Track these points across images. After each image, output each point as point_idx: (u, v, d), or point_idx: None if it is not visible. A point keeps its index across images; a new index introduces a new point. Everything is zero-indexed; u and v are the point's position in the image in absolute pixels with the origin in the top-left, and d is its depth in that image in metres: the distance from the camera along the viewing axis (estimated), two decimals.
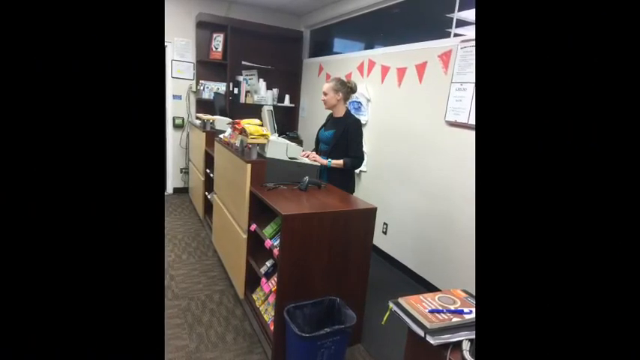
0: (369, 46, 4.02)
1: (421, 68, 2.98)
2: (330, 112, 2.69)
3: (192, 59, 4.65)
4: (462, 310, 1.09)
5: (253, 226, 2.23)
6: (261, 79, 4.92)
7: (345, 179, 2.53)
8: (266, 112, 3.25)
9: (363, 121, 3.20)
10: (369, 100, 3.61)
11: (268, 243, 2.04)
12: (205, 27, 4.58)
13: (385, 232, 3.43)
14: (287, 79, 5.09)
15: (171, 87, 4.62)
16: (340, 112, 2.58)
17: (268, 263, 2.17)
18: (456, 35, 2.78)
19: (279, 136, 2.94)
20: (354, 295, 2.06)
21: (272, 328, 1.98)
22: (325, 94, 2.54)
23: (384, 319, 1.20)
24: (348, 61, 4.00)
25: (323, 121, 2.79)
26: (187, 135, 4.79)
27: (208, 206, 3.82)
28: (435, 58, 2.83)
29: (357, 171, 2.86)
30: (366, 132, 3.39)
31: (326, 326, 1.74)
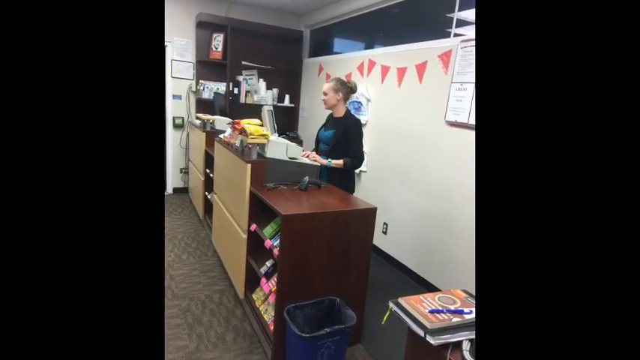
0: (369, 46, 4.01)
1: (421, 68, 2.98)
2: (330, 112, 2.69)
3: (192, 59, 4.65)
4: (462, 310, 1.09)
5: (253, 226, 2.23)
6: (261, 79, 4.92)
7: (345, 179, 2.53)
8: (266, 112, 3.25)
9: (363, 121, 3.20)
10: (369, 100, 3.61)
11: (268, 243, 2.04)
12: (205, 27, 4.58)
13: (385, 232, 3.43)
14: (287, 79, 5.09)
15: (171, 87, 4.62)
16: (340, 112, 2.58)
17: (268, 263, 2.17)
18: (456, 35, 2.78)
19: (279, 136, 2.94)
20: (354, 295, 2.06)
21: (272, 328, 1.98)
22: (325, 94, 2.54)
23: (384, 319, 1.20)
24: (348, 61, 4.00)
25: (323, 121, 2.79)
26: (187, 135, 4.79)
27: (208, 206, 3.81)
28: (435, 58, 2.83)
29: (357, 171, 2.86)
30: (366, 132, 3.39)
31: (326, 326, 1.74)
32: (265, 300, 2.26)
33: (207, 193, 3.82)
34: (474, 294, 1.11)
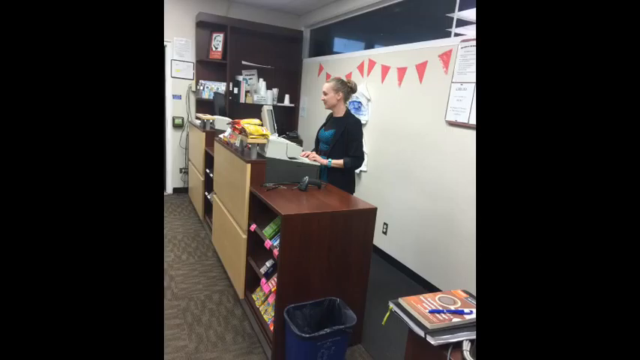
0: (369, 46, 4.01)
1: (421, 68, 2.97)
2: (330, 111, 2.69)
3: (191, 59, 4.65)
4: (463, 311, 1.08)
5: (253, 227, 2.23)
6: (260, 79, 4.92)
7: (345, 179, 2.52)
8: (266, 111, 3.26)
9: (363, 121, 3.20)
10: (369, 100, 3.61)
11: (268, 243, 2.03)
12: (205, 26, 4.57)
13: (385, 233, 3.43)
14: (287, 78, 5.09)
15: (170, 87, 4.61)
16: (340, 112, 2.58)
17: (268, 263, 2.17)
18: (456, 35, 2.77)
19: (278, 135, 2.94)
20: (354, 295, 2.05)
21: (272, 328, 1.97)
22: (325, 93, 2.54)
23: (384, 319, 1.20)
24: (348, 60, 3.99)
25: (323, 121, 2.78)
26: (187, 135, 4.79)
27: (208, 206, 3.81)
28: (435, 57, 2.83)
29: (357, 171, 2.86)
30: (366, 132, 3.39)
31: (326, 327, 1.74)
32: (265, 300, 2.25)
33: (206, 193, 3.82)
34: (475, 294, 1.11)
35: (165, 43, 4.46)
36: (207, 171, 3.74)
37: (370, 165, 3.62)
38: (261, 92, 4.86)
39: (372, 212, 2.01)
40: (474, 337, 0.99)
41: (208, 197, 3.74)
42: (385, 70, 3.38)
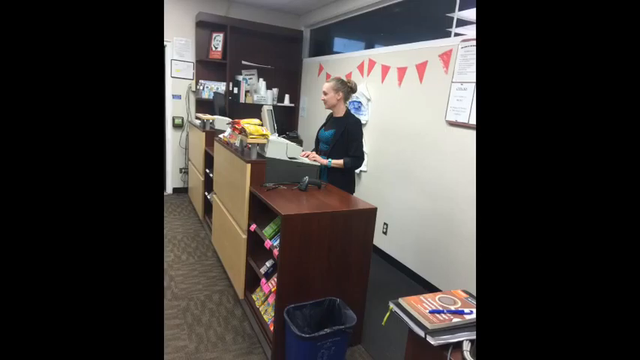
0: (369, 46, 4.01)
1: (421, 68, 2.97)
2: (330, 111, 2.68)
3: (191, 59, 4.65)
4: (463, 311, 1.08)
5: (253, 227, 2.23)
6: (260, 79, 4.92)
7: (345, 179, 2.52)
8: (266, 111, 3.25)
9: (363, 121, 3.20)
10: (369, 100, 3.60)
11: (268, 243, 2.03)
12: (205, 26, 4.57)
13: (385, 233, 3.43)
14: (287, 78, 5.09)
15: (170, 86, 4.61)
16: (340, 112, 2.57)
17: (268, 263, 2.16)
18: (456, 35, 2.77)
19: (278, 135, 2.94)
20: (354, 295, 2.05)
21: (272, 328, 1.97)
22: (325, 93, 2.54)
23: (385, 319, 1.20)
24: (348, 60, 3.99)
25: (323, 121, 2.78)
26: (187, 135, 4.79)
27: (208, 206, 3.81)
28: (435, 57, 2.83)
29: (357, 171, 2.86)
30: (366, 132, 3.39)
31: (326, 327, 1.74)
32: (265, 300, 2.25)
33: (206, 193, 3.81)
34: (475, 294, 1.11)
35: (165, 42, 4.46)
36: (207, 171, 3.74)
37: (370, 165, 3.62)
38: (261, 92, 4.86)
39: (372, 212, 2.01)
40: (474, 337, 0.98)
41: (208, 197, 3.74)
42: (385, 70, 3.38)
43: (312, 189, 2.26)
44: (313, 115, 4.77)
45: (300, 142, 4.88)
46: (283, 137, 2.86)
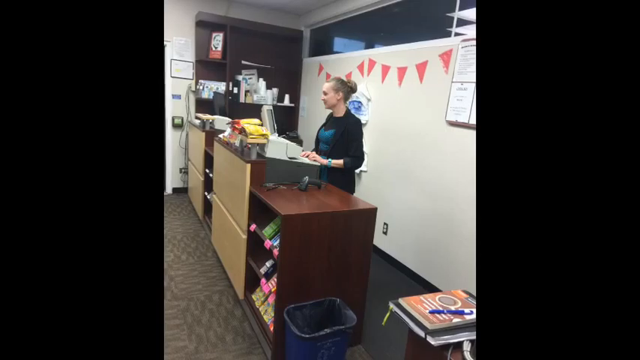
0: (369, 46, 4.01)
1: (422, 68, 2.97)
2: (330, 111, 2.68)
3: (191, 58, 4.65)
4: (463, 311, 1.08)
5: (253, 227, 2.22)
6: (260, 79, 4.92)
7: (345, 179, 2.52)
8: (266, 111, 3.25)
9: (363, 121, 3.20)
10: (369, 100, 3.60)
11: (268, 243, 2.03)
12: (205, 26, 4.57)
13: (385, 233, 3.42)
14: (287, 78, 5.08)
15: (170, 86, 4.61)
16: (340, 112, 2.57)
17: (268, 264, 2.16)
18: (456, 34, 2.77)
19: (278, 135, 2.94)
20: (355, 295, 2.05)
21: (272, 328, 1.97)
22: (325, 93, 2.54)
23: (385, 320, 1.19)
24: (348, 60, 3.99)
25: (323, 121, 2.78)
26: (186, 135, 4.78)
27: (208, 206, 3.81)
28: (435, 57, 2.83)
29: (357, 171, 2.85)
30: (366, 132, 3.39)
31: (326, 327, 1.74)
32: (265, 300, 2.25)
33: (206, 193, 3.81)
34: (475, 294, 1.11)
35: (165, 42, 4.45)
36: (207, 171, 3.74)
37: (370, 165, 3.62)
38: (261, 92, 4.86)
39: (372, 212, 2.01)
40: (475, 337, 0.98)
41: (208, 197, 3.74)
42: (385, 69, 3.38)
43: (312, 189, 2.25)
44: (313, 115, 4.77)
45: (300, 142, 4.88)
46: (283, 137, 2.86)
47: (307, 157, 2.53)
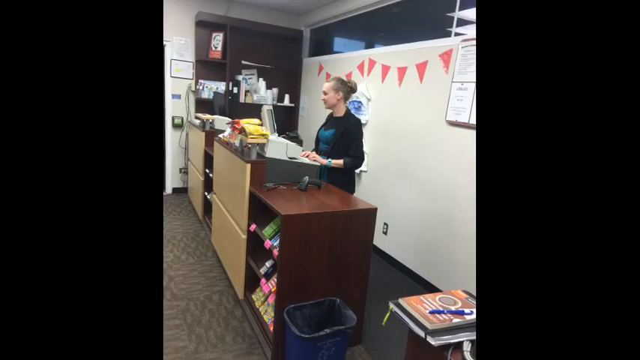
0: (369, 46, 4.01)
1: (422, 67, 2.97)
2: (330, 111, 2.68)
3: (191, 58, 4.64)
4: (463, 311, 1.08)
5: (253, 227, 2.22)
6: (260, 79, 4.92)
7: (345, 179, 2.52)
8: (266, 111, 3.25)
9: (363, 121, 3.19)
10: (369, 100, 3.60)
11: (268, 243, 2.03)
12: (205, 26, 4.57)
13: (385, 233, 3.42)
14: (287, 78, 5.08)
15: (170, 86, 4.61)
16: (340, 112, 2.57)
17: (268, 264, 2.16)
18: (456, 34, 2.77)
19: (278, 135, 2.93)
20: (355, 295, 2.05)
21: (272, 329, 1.97)
22: (325, 93, 2.53)
23: (385, 320, 1.19)
24: (348, 60, 3.99)
25: (323, 121, 2.78)
26: (186, 135, 4.78)
27: (208, 206, 3.81)
28: (435, 57, 2.82)
29: (357, 171, 2.85)
30: (366, 132, 3.39)
31: (326, 327, 1.73)
32: (265, 301, 2.25)
33: (206, 193, 3.81)
34: (475, 294, 1.10)
35: (164, 42, 4.45)
36: (207, 171, 3.74)
37: (370, 165, 3.62)
38: (261, 92, 4.86)
39: (372, 212, 2.01)
40: (475, 337, 0.98)
41: (208, 197, 3.74)
42: (385, 69, 3.38)
43: (312, 189, 2.25)
44: (313, 115, 4.77)
45: (300, 142, 4.88)
46: (283, 137, 2.86)
47: (307, 157, 2.53)
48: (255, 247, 2.33)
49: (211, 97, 4.63)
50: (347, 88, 2.53)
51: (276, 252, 1.90)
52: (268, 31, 4.69)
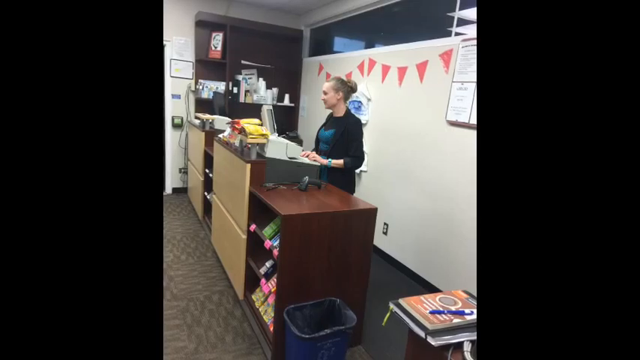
0: (369, 45, 4.00)
1: (422, 67, 2.96)
2: (330, 111, 2.68)
3: (191, 58, 4.64)
4: (463, 311, 1.07)
5: (253, 227, 2.22)
6: (260, 79, 4.91)
7: (345, 179, 2.52)
8: (265, 111, 3.25)
9: (363, 121, 3.19)
10: (369, 100, 3.60)
11: (268, 243, 2.03)
12: (204, 26, 4.56)
13: (386, 233, 3.42)
14: (287, 78, 5.08)
15: (169, 86, 4.60)
16: (340, 112, 2.57)
17: (268, 264, 2.16)
18: (457, 34, 2.76)
19: (278, 135, 2.93)
20: (355, 296, 2.05)
21: (272, 329, 1.96)
22: (325, 93, 2.53)
23: (385, 320, 1.19)
24: (348, 60, 3.99)
25: (323, 121, 2.77)
26: (186, 135, 4.78)
27: (207, 206, 3.80)
28: (435, 57, 2.82)
29: (357, 171, 2.85)
30: (366, 132, 3.38)
31: (326, 327, 1.73)
32: (265, 301, 2.25)
33: (206, 193, 3.81)
34: (476, 295, 1.10)
35: (164, 42, 4.45)
36: (207, 171, 3.74)
37: (370, 165, 3.62)
38: (261, 92, 4.85)
39: (372, 212, 2.01)
40: (475, 337, 0.98)
41: (208, 197, 3.74)
42: (385, 69, 3.38)
43: (312, 189, 2.25)
44: (313, 115, 4.77)
45: (300, 142, 4.88)
46: (283, 137, 2.85)
47: (307, 157, 2.52)
48: (255, 247, 2.32)
49: (211, 97, 4.63)
50: (347, 87, 2.53)
51: (276, 252, 1.90)
52: (268, 31, 4.69)
